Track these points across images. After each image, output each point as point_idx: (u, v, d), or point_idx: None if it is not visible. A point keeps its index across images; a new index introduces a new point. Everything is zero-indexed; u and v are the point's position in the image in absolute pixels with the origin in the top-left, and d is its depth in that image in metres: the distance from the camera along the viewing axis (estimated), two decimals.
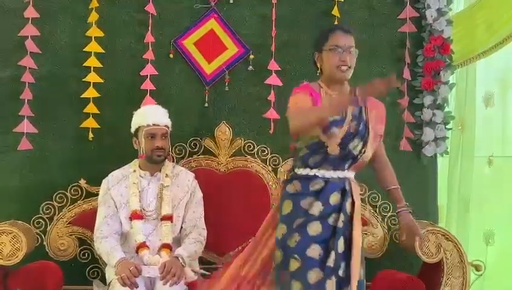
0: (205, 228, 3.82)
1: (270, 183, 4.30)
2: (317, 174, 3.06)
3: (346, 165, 3.08)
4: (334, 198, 3.03)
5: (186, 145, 4.31)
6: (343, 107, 2.97)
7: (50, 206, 4.14)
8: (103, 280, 3.93)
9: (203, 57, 4.39)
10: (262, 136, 4.39)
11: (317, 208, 3.00)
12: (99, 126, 4.26)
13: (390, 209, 4.31)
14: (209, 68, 4.39)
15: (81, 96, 4.23)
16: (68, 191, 4.16)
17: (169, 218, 3.70)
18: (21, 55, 4.19)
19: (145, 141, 3.69)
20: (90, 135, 4.24)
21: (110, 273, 3.65)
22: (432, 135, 4.44)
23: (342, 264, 2.97)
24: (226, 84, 4.37)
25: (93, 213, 3.88)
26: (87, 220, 4.01)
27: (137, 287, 3.37)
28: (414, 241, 3.25)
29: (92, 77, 4.24)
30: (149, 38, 4.30)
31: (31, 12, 4.21)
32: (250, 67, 4.39)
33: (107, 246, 3.59)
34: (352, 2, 4.51)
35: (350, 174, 3.11)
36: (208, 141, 4.32)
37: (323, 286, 2.92)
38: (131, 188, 3.73)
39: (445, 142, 4.51)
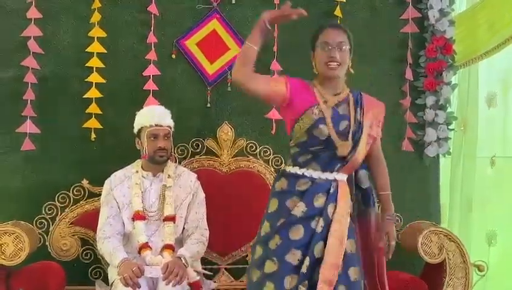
0: (207, 228, 3.82)
1: (272, 183, 4.30)
2: (305, 173, 3.03)
3: (336, 167, 3.04)
4: (319, 200, 3.00)
5: (189, 145, 4.31)
6: (257, 32, 2.97)
7: (52, 206, 4.14)
8: (105, 280, 3.93)
9: (206, 58, 4.40)
10: (264, 136, 4.39)
11: (300, 208, 2.98)
12: (101, 126, 4.26)
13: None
14: (211, 68, 4.40)
15: (84, 97, 4.23)
16: (70, 191, 4.16)
17: (171, 219, 3.70)
18: (23, 55, 4.19)
19: (148, 142, 3.69)
20: (93, 135, 4.25)
21: (112, 274, 3.65)
22: (434, 135, 4.44)
23: (317, 269, 2.93)
24: (228, 84, 4.37)
25: (95, 213, 3.88)
26: (90, 220, 4.02)
27: (139, 287, 3.37)
28: (389, 250, 3.20)
29: (95, 78, 4.25)
30: (151, 38, 4.31)
31: (33, 13, 4.21)
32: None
33: (109, 247, 3.59)
34: (354, 3, 4.51)
35: (340, 176, 3.06)
36: (210, 142, 4.32)
37: None
38: (133, 188, 3.73)
39: (448, 143, 4.51)
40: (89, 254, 4.15)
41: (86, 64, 4.25)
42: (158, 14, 4.34)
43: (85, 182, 4.16)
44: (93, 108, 4.24)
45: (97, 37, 4.27)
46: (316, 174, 3.03)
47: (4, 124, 4.20)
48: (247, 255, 4.25)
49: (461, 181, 5.03)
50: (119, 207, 3.72)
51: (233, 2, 4.42)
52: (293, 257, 2.94)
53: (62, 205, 4.15)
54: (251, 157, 4.36)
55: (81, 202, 4.17)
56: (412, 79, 4.49)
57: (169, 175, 3.77)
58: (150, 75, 4.29)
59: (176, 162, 4.12)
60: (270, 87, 3.05)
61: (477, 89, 5.02)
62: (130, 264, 3.44)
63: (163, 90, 4.32)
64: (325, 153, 3.02)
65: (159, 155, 3.70)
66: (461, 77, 4.96)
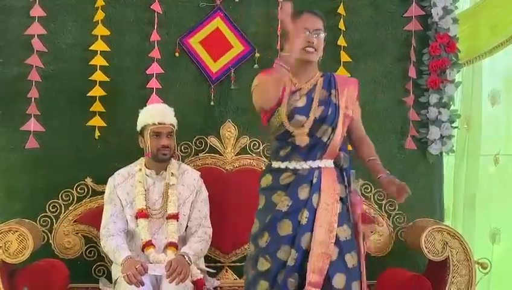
0: (211, 226, 3.83)
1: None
2: (288, 166, 3.04)
3: (318, 154, 3.04)
4: (303, 192, 3.00)
5: (192, 143, 4.32)
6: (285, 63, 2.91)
7: (56, 204, 4.15)
8: (109, 277, 3.94)
9: (209, 56, 4.40)
10: (267, 135, 4.38)
11: (285, 203, 2.99)
12: (105, 124, 4.26)
13: (395, 207, 4.31)
14: (214, 67, 4.40)
15: (88, 95, 4.24)
16: (74, 189, 4.17)
17: (175, 217, 3.71)
18: (28, 53, 4.20)
19: (151, 140, 3.70)
20: (97, 133, 4.25)
21: (116, 271, 3.66)
22: (438, 133, 4.43)
23: (306, 261, 2.94)
24: (232, 82, 4.37)
25: (99, 211, 3.89)
26: (93, 218, 4.03)
27: (143, 285, 3.37)
28: (400, 190, 3.09)
29: (98, 76, 4.25)
30: (155, 36, 4.31)
31: (37, 11, 4.22)
32: (256, 65, 4.38)
33: (113, 245, 3.60)
34: (358, 0, 4.50)
35: (324, 163, 3.05)
36: (214, 140, 4.32)
37: (286, 284, 2.93)
38: (137, 186, 3.74)
39: (451, 141, 4.50)
40: (92, 252, 4.16)
41: (90, 63, 4.26)
42: (161, 13, 4.34)
43: (88, 180, 4.17)
44: (97, 106, 4.25)
45: (101, 36, 4.28)
46: (299, 164, 3.03)
47: (8, 122, 4.21)
48: None
49: (465, 179, 5.02)
50: (122, 205, 3.73)
51: (237, 0, 4.42)
52: (284, 253, 2.96)
53: (66, 203, 4.16)
54: (254, 155, 4.36)
55: (84, 200, 4.17)
56: (416, 77, 4.47)
57: (172, 173, 3.78)
58: (153, 73, 4.30)
59: (179, 160, 4.12)
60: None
61: (481, 86, 5.00)
62: (133, 262, 3.44)
63: (167, 88, 4.32)
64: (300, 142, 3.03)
65: (162, 153, 3.70)
66: (465, 74, 4.95)
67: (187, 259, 3.53)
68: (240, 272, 4.24)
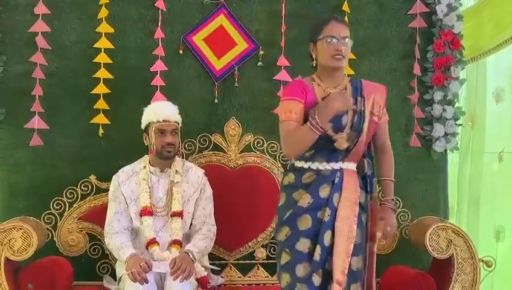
0: (215, 224, 3.83)
1: (279, 179, 4.29)
2: (311, 166, 3.07)
3: (340, 157, 3.06)
4: (324, 191, 3.03)
5: (196, 141, 4.31)
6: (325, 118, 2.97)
7: (60, 202, 4.15)
8: (113, 275, 3.94)
9: (213, 53, 4.39)
10: (271, 132, 4.37)
11: (306, 200, 3.03)
12: (109, 122, 4.26)
13: (399, 205, 4.31)
14: (218, 64, 4.39)
15: (91, 92, 4.24)
16: (78, 187, 4.17)
17: (179, 214, 3.71)
18: (32, 51, 4.21)
19: (155, 137, 3.70)
20: (101, 131, 4.25)
21: (120, 269, 3.66)
22: (442, 130, 4.42)
23: (329, 258, 2.98)
24: (236, 80, 4.37)
25: (103, 209, 3.89)
26: (97, 215, 4.03)
27: (147, 282, 3.38)
28: (383, 235, 3.17)
29: (102, 73, 4.25)
30: (159, 34, 4.31)
31: (41, 9, 4.22)
32: (260, 63, 4.39)
33: (117, 242, 3.61)
34: None
35: (346, 165, 3.08)
36: (218, 137, 4.32)
37: (310, 279, 2.97)
38: (141, 184, 3.74)
39: (456, 138, 4.49)
40: (96, 249, 4.16)
41: (94, 60, 4.26)
42: (165, 10, 4.34)
43: (93, 178, 4.18)
44: (101, 104, 4.25)
45: (105, 33, 4.28)
46: (322, 165, 3.06)
47: (12, 120, 4.21)
48: (254, 251, 4.25)
49: (469, 176, 5.02)
50: (126, 203, 3.73)
51: None
52: (303, 245, 3.00)
53: (70, 201, 4.16)
54: (258, 152, 4.35)
55: (88, 198, 4.18)
56: (420, 74, 4.47)
57: (176, 171, 3.78)
58: (157, 71, 4.29)
59: (183, 157, 4.12)
60: (298, 117, 3.07)
61: (485, 84, 5.00)
62: (137, 260, 3.45)
63: (171, 85, 4.32)
64: (326, 146, 3.03)
65: (166, 151, 3.70)
66: (469, 71, 4.94)
67: (191, 257, 3.54)
68: (244, 269, 4.25)
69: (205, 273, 3.67)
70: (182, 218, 3.72)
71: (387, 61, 4.49)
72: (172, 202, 3.73)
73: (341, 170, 3.07)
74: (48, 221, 4.12)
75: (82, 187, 4.18)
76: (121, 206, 3.73)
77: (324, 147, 3.04)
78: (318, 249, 2.97)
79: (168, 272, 3.46)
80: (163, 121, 3.71)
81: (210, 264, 3.93)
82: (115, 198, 3.75)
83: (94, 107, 4.25)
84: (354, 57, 4.35)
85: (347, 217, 3.01)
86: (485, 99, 5.00)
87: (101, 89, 4.25)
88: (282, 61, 4.37)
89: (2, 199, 4.22)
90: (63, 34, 4.29)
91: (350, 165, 3.10)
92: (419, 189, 4.44)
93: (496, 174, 5.04)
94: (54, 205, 4.15)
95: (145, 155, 3.85)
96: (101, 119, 4.25)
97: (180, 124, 3.82)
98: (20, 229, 3.70)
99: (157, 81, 4.28)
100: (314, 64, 3.17)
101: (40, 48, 4.21)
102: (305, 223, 3.01)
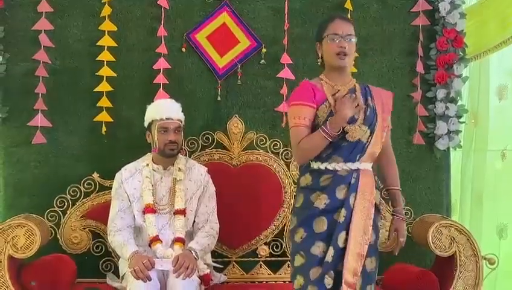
0: (218, 221, 3.83)
1: (282, 176, 4.30)
2: (328, 167, 3.05)
3: (357, 157, 3.06)
4: (341, 192, 3.03)
5: (199, 138, 4.32)
6: (338, 126, 2.97)
7: (63, 199, 4.16)
8: (116, 272, 3.95)
9: (216, 51, 4.40)
10: (274, 129, 4.39)
11: (322, 201, 3.02)
12: (112, 120, 4.27)
13: (402, 202, 4.30)
14: (221, 62, 4.40)
15: (95, 90, 4.25)
16: (81, 184, 4.18)
17: (182, 212, 3.71)
18: (35, 49, 4.21)
19: (158, 135, 3.70)
20: (104, 129, 4.26)
21: (123, 267, 3.67)
22: (445, 128, 4.42)
23: (342, 259, 2.97)
24: (239, 77, 4.37)
25: (106, 207, 3.90)
26: (101, 213, 4.04)
27: (150, 280, 3.38)
28: (396, 246, 3.22)
29: (105, 71, 4.26)
30: (162, 32, 4.31)
31: (44, 7, 4.23)
32: (263, 60, 4.39)
33: (120, 240, 3.61)
34: None
35: (363, 165, 3.08)
36: (220, 135, 4.32)
37: (323, 281, 2.96)
38: (144, 182, 3.74)
39: (458, 136, 4.49)
40: (99, 247, 4.17)
41: (97, 58, 4.27)
42: (168, 8, 4.34)
43: (96, 176, 4.18)
44: (104, 101, 4.26)
45: (107, 31, 4.29)
46: (339, 166, 3.04)
47: (16, 118, 4.22)
48: (257, 248, 4.25)
49: (472, 174, 5.02)
50: (129, 200, 3.73)
51: None
52: (318, 249, 2.99)
53: (73, 198, 4.17)
54: (261, 150, 4.35)
55: (92, 195, 4.18)
56: (423, 72, 4.47)
57: (179, 168, 3.78)
58: (160, 69, 4.30)
59: (186, 155, 4.13)
60: (307, 122, 3.07)
61: (488, 81, 4.99)
62: (140, 257, 3.45)
63: (174, 83, 4.32)
64: (343, 142, 3.03)
65: (169, 148, 3.70)
66: (472, 69, 4.93)
67: (194, 254, 3.54)
68: (247, 267, 4.26)
69: (208, 270, 3.68)
70: (184, 216, 3.72)
71: (389, 59, 4.49)
72: (175, 199, 3.73)
73: (358, 170, 3.06)
74: (51, 219, 4.13)
75: (85, 185, 4.18)
76: (124, 203, 3.73)
77: (339, 145, 3.03)
78: (331, 250, 2.96)
79: (170, 270, 3.46)
80: (166, 118, 3.71)
81: (213, 261, 3.94)
82: (118, 196, 3.75)
83: (97, 105, 4.26)
84: (356, 54, 4.34)
85: (363, 219, 3.01)
86: (488, 97, 4.99)
87: (104, 87, 4.25)
88: (285, 58, 4.37)
89: (6, 196, 4.23)
90: (66, 32, 4.30)
91: (366, 166, 3.10)
92: (422, 187, 4.44)
93: (498, 172, 5.04)
94: (57, 202, 4.15)
95: (148, 153, 3.85)
96: (104, 117, 4.26)
97: (183, 122, 3.82)
98: (24, 226, 3.70)
99: (160, 79, 4.29)
100: (320, 63, 3.17)
101: (44, 46, 4.22)
102: (321, 225, 3.01)
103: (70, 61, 4.29)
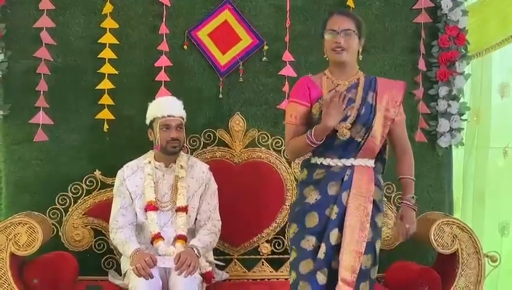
0: (220, 219, 3.83)
1: (284, 174, 4.30)
2: (322, 162, 3.07)
3: (352, 154, 3.05)
4: (333, 188, 3.03)
5: (201, 136, 4.31)
6: (321, 134, 2.98)
7: (65, 197, 4.16)
8: (118, 270, 3.95)
9: (217, 48, 4.40)
10: (276, 127, 4.38)
11: (313, 196, 3.03)
12: (114, 117, 4.27)
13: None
14: (223, 59, 4.40)
15: (96, 88, 4.25)
16: (83, 182, 4.18)
17: (184, 209, 3.71)
18: (36, 46, 4.21)
19: (160, 132, 3.70)
20: (105, 126, 4.26)
21: (125, 264, 3.67)
22: (447, 126, 4.42)
23: (336, 256, 2.97)
24: (240, 75, 4.37)
25: (108, 204, 3.89)
26: (102, 211, 4.04)
27: (152, 277, 3.38)
28: (401, 231, 3.16)
29: (107, 69, 4.26)
30: (163, 29, 4.31)
31: (46, 4, 4.23)
32: (265, 58, 4.39)
33: (122, 237, 3.61)
34: None
35: (359, 161, 3.06)
36: (222, 132, 4.32)
37: (314, 277, 2.96)
38: (146, 179, 3.74)
39: (461, 133, 4.49)
40: (101, 245, 4.17)
41: (98, 56, 4.26)
42: (170, 5, 4.34)
43: (97, 173, 4.18)
44: (106, 99, 4.26)
45: (109, 28, 4.29)
46: (333, 162, 3.05)
47: (17, 115, 4.22)
48: (258, 246, 4.25)
49: (474, 172, 5.01)
50: (131, 198, 3.73)
51: None
52: (308, 243, 3.00)
53: (75, 196, 4.17)
54: (263, 148, 4.35)
55: (93, 193, 4.18)
56: (425, 69, 4.47)
57: (181, 166, 3.78)
58: (162, 66, 4.30)
59: (187, 152, 4.13)
60: (297, 121, 3.12)
61: (490, 79, 4.98)
62: (142, 255, 3.45)
63: (175, 81, 4.32)
64: (335, 140, 3.02)
65: (171, 146, 3.70)
66: (474, 67, 4.92)
67: (196, 252, 3.53)
68: (249, 265, 4.26)
69: (210, 268, 3.68)
70: (186, 213, 3.72)
71: (392, 56, 4.49)
72: (177, 197, 3.73)
73: (352, 167, 3.05)
74: (53, 216, 4.13)
75: (87, 182, 4.18)
76: (125, 201, 3.73)
77: (331, 143, 3.02)
78: (323, 247, 2.96)
79: (172, 267, 3.46)
80: (168, 116, 3.71)
81: (215, 259, 3.94)
82: (119, 193, 3.75)
83: (99, 102, 4.26)
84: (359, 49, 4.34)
85: (358, 216, 2.99)
86: (490, 94, 4.98)
87: (105, 84, 4.25)
88: (287, 56, 4.37)
89: (7, 194, 4.23)
90: (68, 30, 4.30)
91: (364, 162, 3.08)
92: (424, 184, 4.43)
93: (500, 170, 5.02)
94: (59, 200, 4.15)
95: (150, 150, 3.85)
96: (105, 114, 4.26)
97: (185, 119, 3.82)
98: (26, 224, 3.70)
99: (162, 76, 4.29)
100: (327, 59, 3.17)
101: (45, 44, 4.22)
102: (312, 220, 3.01)
103: (71, 58, 4.29)
